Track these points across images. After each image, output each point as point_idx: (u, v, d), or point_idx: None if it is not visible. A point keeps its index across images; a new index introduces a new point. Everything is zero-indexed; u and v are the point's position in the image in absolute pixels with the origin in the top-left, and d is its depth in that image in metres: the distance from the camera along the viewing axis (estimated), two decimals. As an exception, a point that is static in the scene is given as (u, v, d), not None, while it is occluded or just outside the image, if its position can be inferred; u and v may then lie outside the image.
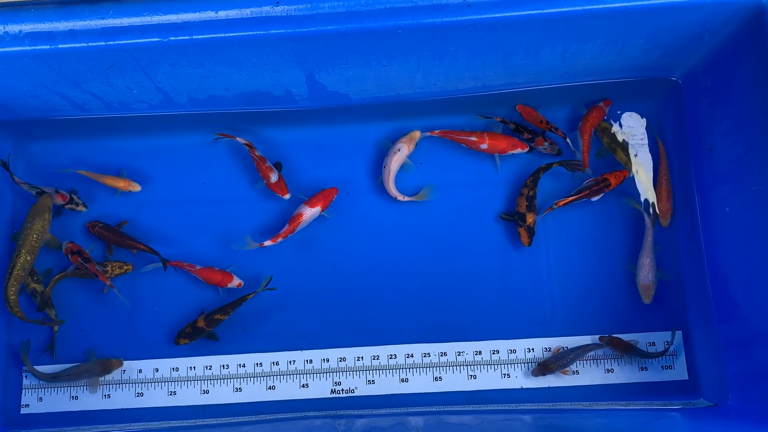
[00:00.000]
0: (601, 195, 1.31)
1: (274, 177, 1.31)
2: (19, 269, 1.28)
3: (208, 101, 1.29)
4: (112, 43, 1.07)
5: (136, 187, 1.34)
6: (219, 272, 1.30)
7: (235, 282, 1.30)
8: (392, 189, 1.32)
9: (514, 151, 1.33)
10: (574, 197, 1.30)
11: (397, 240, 1.34)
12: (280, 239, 1.29)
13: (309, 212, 1.29)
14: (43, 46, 1.08)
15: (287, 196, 1.32)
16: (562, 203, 1.30)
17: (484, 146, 1.32)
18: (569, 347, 1.28)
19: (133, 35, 1.07)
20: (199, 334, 1.29)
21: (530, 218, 1.30)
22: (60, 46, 1.08)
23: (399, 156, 1.32)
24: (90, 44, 1.08)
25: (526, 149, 1.33)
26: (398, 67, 1.19)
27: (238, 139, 1.32)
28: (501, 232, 1.34)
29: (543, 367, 1.26)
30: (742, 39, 1.11)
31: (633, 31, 1.13)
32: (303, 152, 1.37)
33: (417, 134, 1.33)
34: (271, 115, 1.35)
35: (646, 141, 1.34)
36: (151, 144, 1.37)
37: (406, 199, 1.33)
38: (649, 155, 1.34)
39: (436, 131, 1.34)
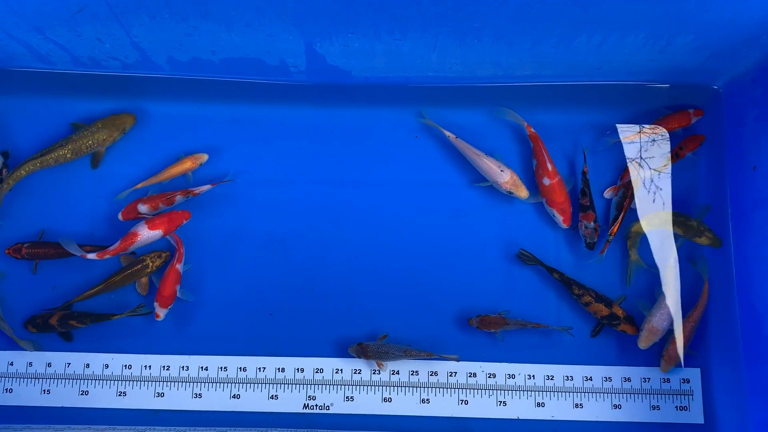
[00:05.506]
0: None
1: (164, 208, 1.21)
2: (51, 158, 1.21)
3: (190, 65, 1.23)
4: (81, -19, 1.00)
5: (204, 157, 1.26)
6: (170, 289, 1.19)
7: (157, 311, 1.20)
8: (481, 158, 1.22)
9: (556, 214, 1.23)
10: (622, 216, 1.24)
11: (387, 242, 1.26)
12: (107, 256, 1.19)
13: (146, 234, 1.18)
14: (-1, -21, 1.01)
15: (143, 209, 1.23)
16: (615, 230, 1.24)
17: (546, 181, 1.23)
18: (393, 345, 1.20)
19: (107, -26, 1.00)
20: (49, 329, 1.21)
21: (618, 310, 1.22)
22: (19, -21, 1.01)
23: (494, 168, 1.21)
24: (55, -20, 1.01)
25: (567, 225, 1.23)
26: (412, 43, 1.13)
27: (229, 180, 1.25)
28: (502, 251, 1.25)
29: (360, 350, 1.19)
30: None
31: (682, 25, 1.07)
32: (290, 133, 1.29)
33: (523, 193, 1.21)
34: (261, 87, 1.29)
35: (669, 169, 1.25)
36: (123, 110, 1.28)
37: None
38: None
39: (532, 128, 1.24)
